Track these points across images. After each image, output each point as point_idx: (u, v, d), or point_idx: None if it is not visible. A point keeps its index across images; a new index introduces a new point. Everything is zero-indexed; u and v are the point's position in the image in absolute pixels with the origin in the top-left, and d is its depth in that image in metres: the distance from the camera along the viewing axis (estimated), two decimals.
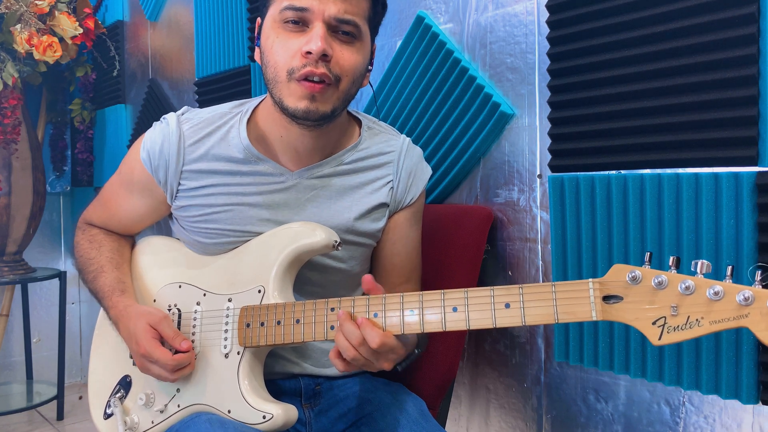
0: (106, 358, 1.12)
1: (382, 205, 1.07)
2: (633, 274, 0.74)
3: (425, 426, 0.97)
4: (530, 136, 1.23)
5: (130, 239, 1.20)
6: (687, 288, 0.71)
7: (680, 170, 1.00)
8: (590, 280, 0.77)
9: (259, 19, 1.01)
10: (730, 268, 0.70)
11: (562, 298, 0.78)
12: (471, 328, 0.82)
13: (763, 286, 0.68)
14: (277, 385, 1.06)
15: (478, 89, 1.28)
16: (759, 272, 0.69)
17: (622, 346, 1.07)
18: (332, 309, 0.90)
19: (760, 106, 0.92)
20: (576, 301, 0.77)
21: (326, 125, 1.00)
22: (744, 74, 0.92)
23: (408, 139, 1.12)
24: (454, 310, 0.83)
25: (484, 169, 1.32)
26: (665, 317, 0.72)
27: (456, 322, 0.83)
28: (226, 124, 1.05)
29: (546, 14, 1.16)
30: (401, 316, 0.86)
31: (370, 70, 1.03)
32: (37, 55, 2.24)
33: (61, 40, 2.32)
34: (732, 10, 0.93)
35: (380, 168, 1.08)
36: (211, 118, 1.06)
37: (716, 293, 0.69)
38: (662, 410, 1.07)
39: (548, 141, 1.17)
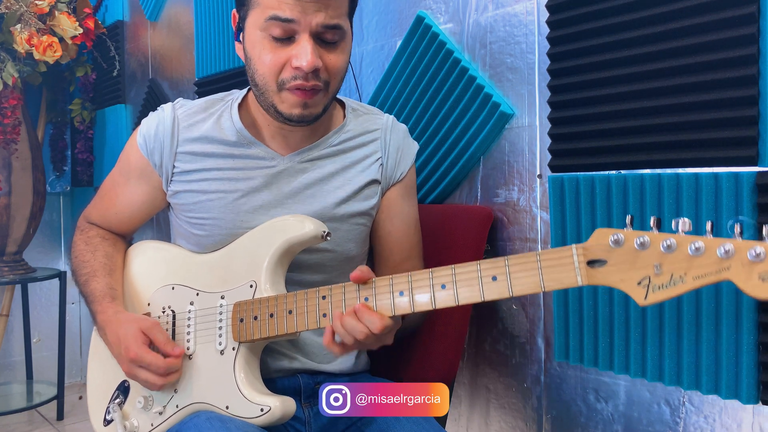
0: (103, 364, 1.11)
1: (374, 182, 1.09)
2: (615, 236, 0.74)
3: (425, 426, 0.97)
4: (530, 136, 1.23)
5: (125, 244, 1.20)
6: (669, 246, 0.71)
7: (680, 170, 1.00)
8: (574, 245, 0.77)
9: (235, 12, 1.01)
10: (709, 223, 0.70)
11: (547, 266, 0.78)
12: (459, 303, 0.82)
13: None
14: (276, 384, 1.06)
15: (478, 89, 1.28)
16: (738, 225, 0.69)
17: (622, 346, 1.07)
18: (323, 297, 0.91)
19: (760, 106, 0.92)
20: (561, 268, 0.77)
21: None
22: (744, 74, 0.92)
23: (392, 116, 1.14)
24: (443, 287, 0.84)
25: (484, 169, 1.32)
26: (649, 277, 0.72)
27: (445, 300, 0.83)
28: (218, 110, 1.09)
29: (546, 14, 1.16)
30: (392, 299, 0.86)
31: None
32: (37, 55, 2.24)
33: (61, 40, 2.32)
34: (732, 10, 0.92)
35: (367, 146, 1.10)
36: (204, 104, 1.10)
37: (697, 249, 0.69)
38: (662, 410, 1.07)
39: (548, 141, 1.17)
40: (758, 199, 0.92)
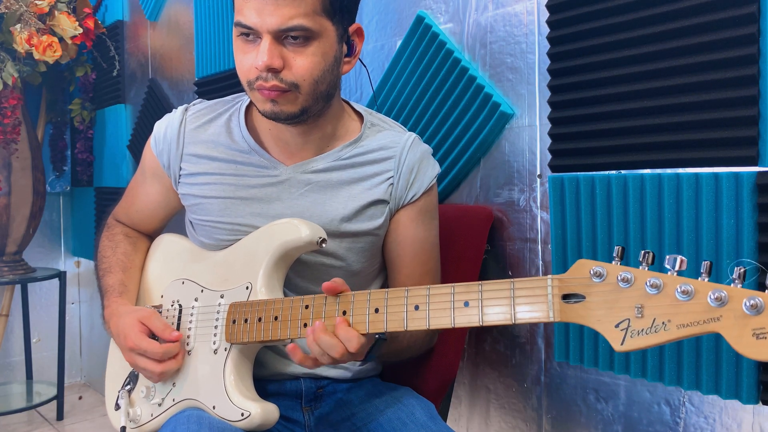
0: (120, 351, 1.14)
1: (380, 202, 1.06)
2: (597, 269, 0.67)
3: (433, 428, 0.96)
4: (530, 136, 1.23)
5: (147, 243, 1.22)
6: (654, 286, 0.63)
7: (680, 170, 1.00)
8: (550, 276, 0.71)
9: None
10: (706, 264, 0.62)
11: (520, 296, 0.72)
12: (431, 327, 0.79)
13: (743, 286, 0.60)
14: (278, 386, 1.06)
15: (478, 89, 1.28)
16: (738, 268, 0.60)
17: None
18: (306, 306, 0.90)
19: (760, 106, 0.92)
20: (533, 300, 0.71)
21: (311, 121, 1.01)
22: (744, 74, 0.92)
23: (414, 135, 1.10)
24: (416, 308, 0.80)
25: (484, 169, 1.32)
26: (629, 319, 0.65)
27: (417, 321, 0.80)
28: (227, 112, 1.10)
29: (546, 14, 1.16)
30: (367, 315, 0.84)
31: (349, 60, 1.01)
32: (36, 55, 2.24)
33: (61, 40, 2.32)
34: (732, 10, 0.92)
35: (380, 163, 1.06)
36: (215, 105, 1.12)
37: (685, 292, 0.61)
38: (662, 410, 1.07)
39: (548, 141, 1.17)
40: (758, 199, 0.91)
